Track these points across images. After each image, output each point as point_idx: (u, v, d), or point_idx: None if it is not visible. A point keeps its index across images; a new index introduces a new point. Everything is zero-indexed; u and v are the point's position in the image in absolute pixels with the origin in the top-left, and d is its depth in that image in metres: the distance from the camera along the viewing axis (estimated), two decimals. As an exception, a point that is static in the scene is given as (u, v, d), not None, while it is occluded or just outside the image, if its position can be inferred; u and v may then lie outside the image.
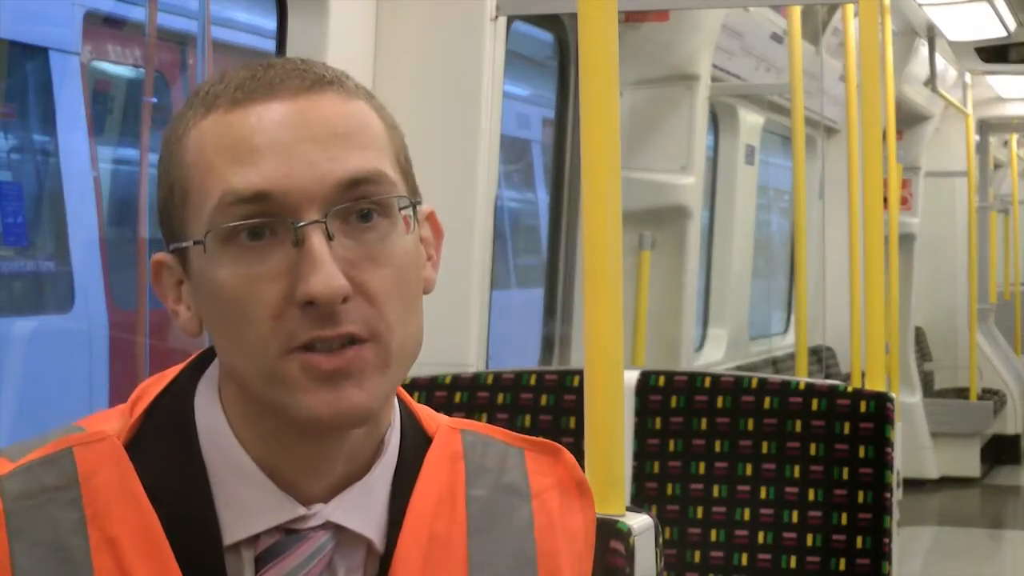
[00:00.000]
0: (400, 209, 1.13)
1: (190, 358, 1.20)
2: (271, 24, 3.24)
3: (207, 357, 1.19)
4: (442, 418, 1.26)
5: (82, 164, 4.22)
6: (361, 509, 1.16)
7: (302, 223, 1.08)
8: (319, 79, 1.13)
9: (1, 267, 3.95)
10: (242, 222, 1.09)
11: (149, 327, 3.66)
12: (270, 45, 3.31)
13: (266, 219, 1.09)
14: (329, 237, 1.08)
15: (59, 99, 4.14)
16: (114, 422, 1.17)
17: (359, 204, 1.10)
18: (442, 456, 1.22)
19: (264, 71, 1.13)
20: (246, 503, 1.13)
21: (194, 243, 1.11)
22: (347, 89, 1.14)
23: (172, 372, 1.20)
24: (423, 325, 1.16)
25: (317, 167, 1.09)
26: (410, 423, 1.22)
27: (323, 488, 1.15)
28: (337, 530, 1.15)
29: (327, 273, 1.07)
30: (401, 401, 1.22)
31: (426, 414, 1.25)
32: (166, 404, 1.17)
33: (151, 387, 1.19)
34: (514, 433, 1.29)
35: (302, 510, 1.13)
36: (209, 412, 1.15)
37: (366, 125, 1.14)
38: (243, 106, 1.11)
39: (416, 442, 1.21)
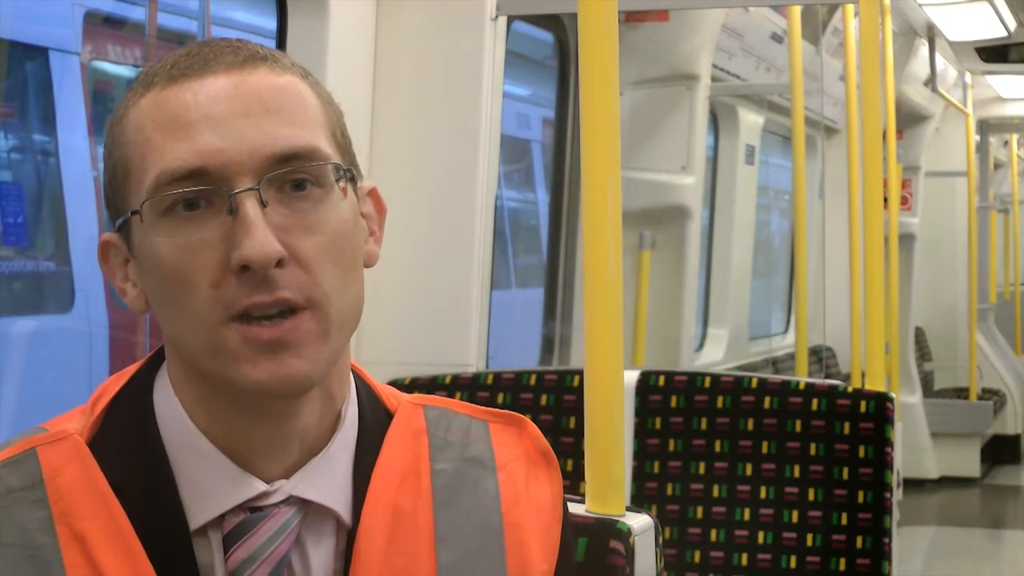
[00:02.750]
0: (336, 181, 1.15)
1: (148, 355, 1.22)
2: (271, 24, 3.24)
3: (163, 352, 1.21)
4: (404, 395, 1.28)
5: (82, 164, 4.22)
6: (323, 482, 1.17)
7: (236, 191, 1.11)
8: (252, 54, 1.16)
9: (1, 267, 3.95)
10: (178, 191, 1.11)
11: (149, 327, 3.66)
12: (270, 45, 3.30)
13: (202, 190, 1.11)
14: (263, 204, 1.11)
15: (59, 99, 4.14)
16: (76, 421, 1.18)
17: (291, 174, 1.13)
18: (404, 431, 1.24)
19: (199, 48, 1.16)
20: (208, 485, 1.15)
21: (132, 213, 1.14)
22: (281, 64, 1.17)
23: (131, 369, 1.22)
24: (362, 295, 1.18)
25: (249, 142, 1.12)
26: (369, 399, 1.23)
27: (283, 467, 1.16)
28: (302, 505, 1.16)
29: (260, 237, 1.10)
30: (359, 378, 1.24)
31: (387, 392, 1.27)
32: (125, 399, 1.19)
33: (111, 385, 1.21)
34: (478, 406, 1.30)
35: (263, 486, 1.15)
36: (166, 401, 1.17)
37: (299, 100, 1.16)
38: (178, 82, 1.14)
39: (376, 417, 1.23)
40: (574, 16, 2.00)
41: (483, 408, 1.30)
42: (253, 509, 1.15)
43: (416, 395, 1.29)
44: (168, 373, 1.19)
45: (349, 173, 1.17)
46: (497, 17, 3.30)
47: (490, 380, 3.00)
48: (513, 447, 1.28)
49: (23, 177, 4.12)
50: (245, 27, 4.43)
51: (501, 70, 3.36)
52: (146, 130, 1.14)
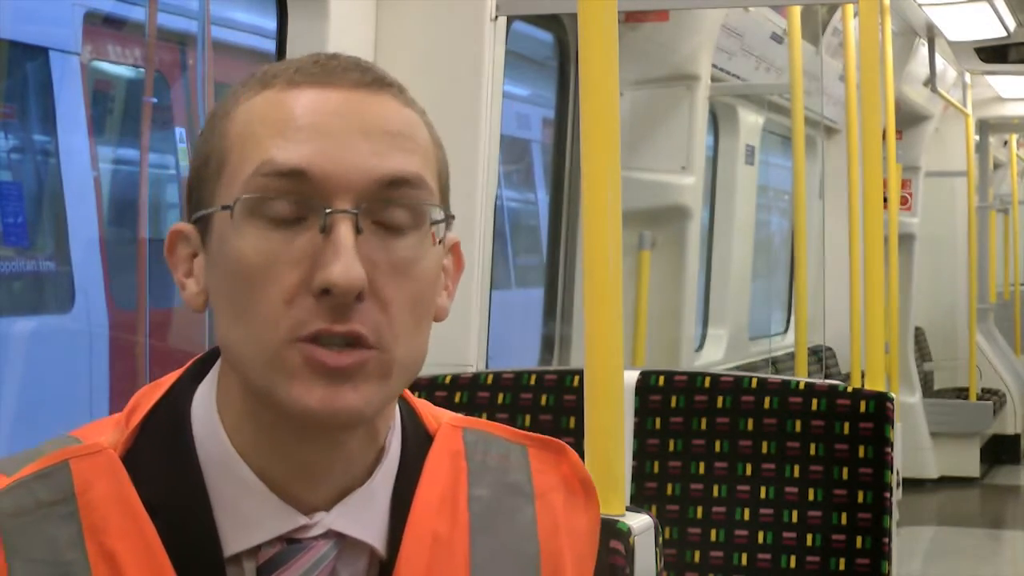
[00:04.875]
0: (432, 224, 1.11)
1: (186, 365, 1.19)
2: (271, 24, 3.24)
3: (203, 364, 1.18)
4: (444, 415, 1.24)
5: (82, 164, 4.22)
6: (363, 516, 1.14)
7: (333, 210, 1.07)
8: (379, 79, 1.13)
9: (1, 267, 3.95)
10: (274, 196, 1.07)
11: (149, 327, 3.66)
12: (270, 45, 3.31)
13: (299, 199, 1.07)
14: (358, 231, 1.07)
15: (59, 99, 4.14)
16: (110, 433, 1.15)
17: (393, 207, 1.09)
18: (443, 455, 1.20)
19: (327, 59, 1.13)
20: (246, 513, 1.11)
21: (222, 208, 1.09)
22: (405, 97, 1.14)
23: (168, 380, 1.18)
24: (427, 348, 1.14)
25: (360, 158, 1.08)
26: (412, 423, 1.20)
27: (323, 497, 1.13)
28: (339, 538, 1.13)
29: (348, 263, 1.05)
30: (402, 399, 1.20)
31: (428, 412, 1.23)
32: (163, 414, 1.15)
33: (147, 396, 1.17)
34: (517, 430, 1.27)
35: (303, 519, 1.12)
36: (207, 421, 1.13)
37: (416, 132, 1.13)
38: (299, 87, 1.11)
39: (418, 442, 1.20)
40: (574, 16, 2.00)
41: (522, 432, 1.27)
42: (290, 540, 1.12)
43: (455, 416, 1.25)
44: (218, 382, 1.15)
45: (447, 222, 1.14)
46: (497, 17, 3.30)
47: (490, 380, 3.00)
48: (552, 474, 1.25)
49: (23, 177, 4.12)
50: (246, 27, 4.44)
51: (501, 70, 3.36)
52: (254, 125, 1.10)
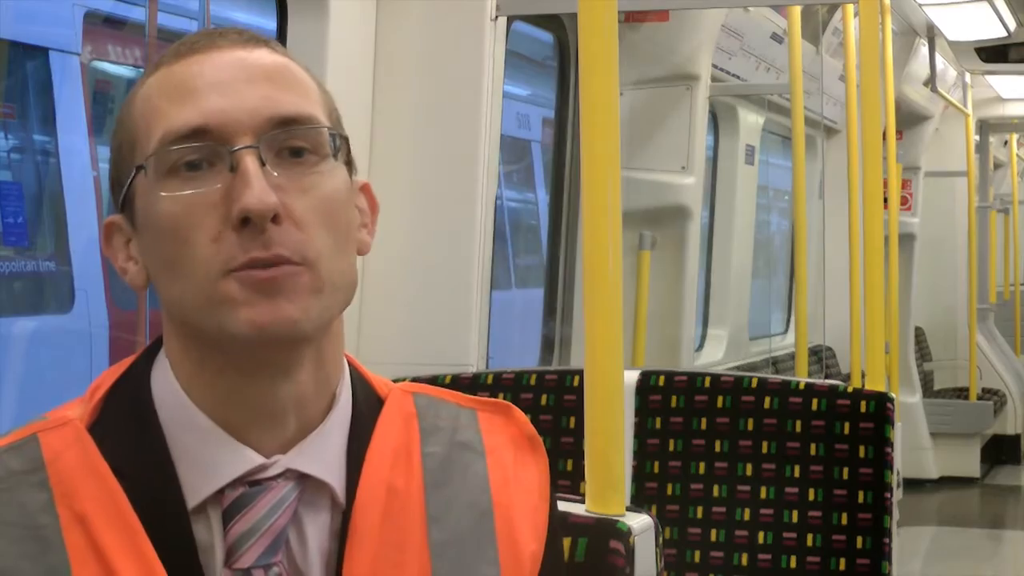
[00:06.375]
0: (333, 154, 1.20)
1: (145, 347, 1.25)
2: (271, 24, 3.24)
3: (159, 342, 1.24)
4: (393, 384, 1.31)
5: (82, 164, 4.22)
6: (320, 457, 1.20)
7: (236, 147, 1.15)
8: (255, 37, 1.23)
9: (1, 267, 3.96)
10: (182, 147, 1.16)
11: (149, 327, 3.66)
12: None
13: (203, 148, 1.16)
14: (262, 163, 1.15)
15: (59, 99, 4.14)
16: (76, 408, 1.21)
17: (291, 139, 1.17)
18: (396, 416, 1.27)
19: (206, 31, 1.23)
20: (206, 460, 1.17)
21: (136, 169, 1.18)
22: (281, 50, 1.24)
23: (128, 361, 1.25)
24: (355, 273, 1.21)
25: (251, 103, 1.17)
26: (361, 385, 1.27)
27: (279, 442, 1.19)
28: (300, 480, 1.18)
29: (259, 188, 1.14)
30: (350, 364, 1.27)
31: (377, 379, 1.30)
32: (123, 386, 1.22)
33: (108, 375, 1.24)
34: (466, 395, 1.34)
35: (261, 459, 1.17)
36: (163, 381, 1.20)
37: (300, 78, 1.22)
38: (186, 57, 1.20)
39: (369, 402, 1.26)
40: (574, 16, 2.00)
41: (471, 397, 1.34)
42: (252, 484, 1.17)
43: (405, 383, 1.32)
44: (166, 349, 1.21)
45: (345, 145, 1.22)
46: (497, 17, 3.30)
47: (490, 380, 3.00)
48: (501, 433, 1.31)
49: (23, 177, 4.12)
50: (246, 28, 4.43)
51: (501, 70, 3.36)
52: (152, 100, 1.19)
